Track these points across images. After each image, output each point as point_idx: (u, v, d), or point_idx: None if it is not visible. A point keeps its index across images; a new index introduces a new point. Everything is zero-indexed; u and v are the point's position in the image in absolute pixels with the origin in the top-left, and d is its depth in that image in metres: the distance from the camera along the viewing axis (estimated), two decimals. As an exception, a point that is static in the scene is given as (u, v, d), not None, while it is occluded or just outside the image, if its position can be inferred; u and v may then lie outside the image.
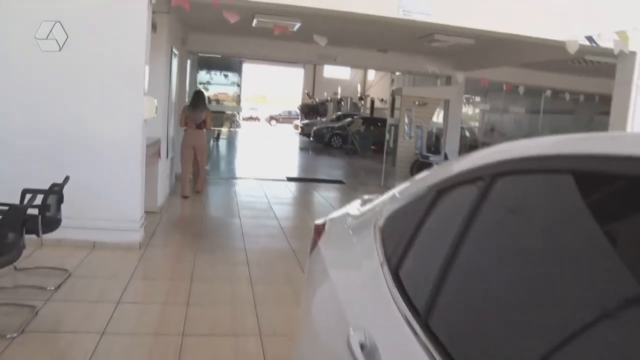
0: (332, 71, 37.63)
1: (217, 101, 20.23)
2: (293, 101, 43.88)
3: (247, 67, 39.62)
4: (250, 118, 47.00)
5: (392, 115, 23.78)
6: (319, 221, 2.52)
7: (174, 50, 8.15)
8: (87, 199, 5.39)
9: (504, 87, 12.69)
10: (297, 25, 8.08)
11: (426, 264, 1.31)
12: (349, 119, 24.33)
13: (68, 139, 5.32)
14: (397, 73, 24.38)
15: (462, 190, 1.34)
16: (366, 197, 2.49)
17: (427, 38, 8.84)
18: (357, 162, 18.49)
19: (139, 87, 5.36)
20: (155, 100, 5.65)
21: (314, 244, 2.30)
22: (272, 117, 45.23)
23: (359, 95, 32.68)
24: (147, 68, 5.49)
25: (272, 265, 5.41)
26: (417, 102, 11.44)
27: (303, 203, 9.17)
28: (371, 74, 34.70)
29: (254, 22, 8.23)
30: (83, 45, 5.22)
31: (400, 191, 1.86)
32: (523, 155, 1.17)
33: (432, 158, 10.14)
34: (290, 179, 11.92)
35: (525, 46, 8.96)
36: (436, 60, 11.57)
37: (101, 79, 5.30)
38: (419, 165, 11.31)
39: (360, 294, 1.53)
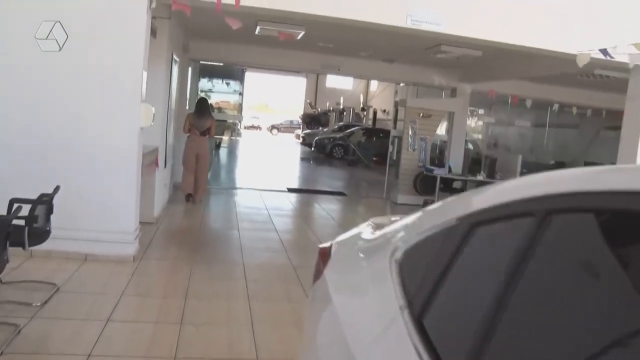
0: (334, 81, 37.54)
1: (219, 109, 20.08)
2: (295, 110, 43.78)
3: (250, 76, 39.71)
4: (252, 127, 46.88)
5: (395, 126, 23.77)
6: (324, 245, 2.25)
7: (174, 56, 7.97)
8: (79, 209, 5.17)
9: (509, 100, 12.54)
10: (301, 33, 7.88)
11: (461, 313, 1.09)
12: (350, 130, 24.10)
13: (60, 145, 5.11)
14: (401, 84, 24.31)
15: (505, 226, 1.11)
16: (378, 220, 2.23)
17: (433, 49, 8.65)
18: (358, 173, 18.27)
19: (136, 93, 5.16)
20: (153, 108, 5.44)
21: (319, 271, 2.05)
22: (273, 126, 45.08)
23: (361, 105, 32.53)
24: (145, 74, 5.29)
25: (271, 282, 5.17)
26: (421, 114, 11.24)
27: (304, 215, 8.94)
28: (374, 85, 34.60)
29: (257, 29, 8.04)
30: (79, 48, 5.02)
31: (421, 219, 1.63)
32: (589, 188, 0.94)
33: (437, 171, 9.92)
34: (290, 190, 11.71)
35: (533, 59, 8.78)
36: (441, 72, 11.40)
37: (96, 84, 5.10)
38: (423, 177, 11.09)
39: (374, 341, 1.30)
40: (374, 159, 23.03)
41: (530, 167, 10.41)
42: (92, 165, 5.17)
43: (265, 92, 51.56)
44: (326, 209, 9.86)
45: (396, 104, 23.70)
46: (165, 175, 8.33)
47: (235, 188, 11.27)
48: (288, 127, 43.70)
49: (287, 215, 8.96)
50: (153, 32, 6.39)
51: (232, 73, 19.87)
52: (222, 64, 16.13)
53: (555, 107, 10.03)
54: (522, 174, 9.98)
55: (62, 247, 5.12)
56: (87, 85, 5.09)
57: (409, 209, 10.96)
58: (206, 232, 7.05)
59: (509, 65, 9.65)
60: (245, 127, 44.55)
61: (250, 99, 50.78)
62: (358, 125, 26.90)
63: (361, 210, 10.31)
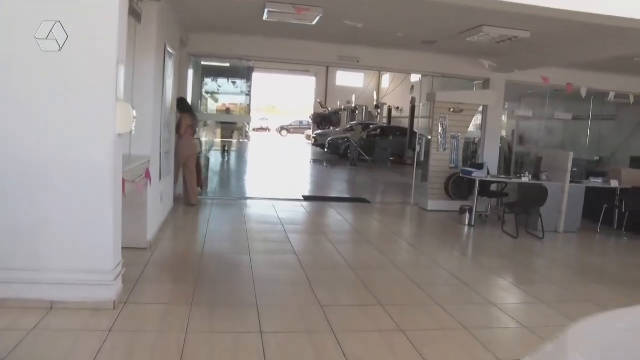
0: (345, 79, 36.32)
1: (227, 111, 18.89)
2: (304, 111, 42.56)
3: (257, 77, 38.55)
4: (261, 129, 45.78)
5: (412, 124, 22.45)
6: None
7: (168, 49, 6.74)
8: (40, 243, 3.96)
9: (548, 91, 11.24)
10: (318, 16, 6.63)
11: None
12: (348, 126, 22.60)
13: (11, 161, 3.89)
14: (417, 79, 22.98)
15: None
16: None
17: (472, 31, 7.36)
18: (377, 175, 16.99)
19: (108, 91, 3.92)
20: (133, 110, 4.19)
21: None
22: (282, 128, 43.93)
23: (375, 103, 31.21)
24: (121, 67, 4.05)
25: (295, 335, 3.91)
26: (451, 109, 9.94)
27: (324, 230, 7.68)
28: (386, 81, 33.29)
29: (265, 14, 6.80)
30: (29, 29, 3.79)
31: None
32: None
33: (476, 173, 8.62)
34: (306, 198, 10.45)
35: (590, 40, 7.48)
36: (473, 61, 10.08)
37: (55, 79, 3.86)
38: (455, 180, 9.79)
39: None
40: (391, 158, 21.80)
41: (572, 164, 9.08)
42: (54, 185, 3.94)
43: (273, 93, 50.37)
44: (349, 220, 8.60)
45: (413, 100, 22.48)
46: (163, 189, 7.10)
47: (245, 198, 10.03)
48: (298, 128, 42.54)
49: (305, 231, 7.70)
50: (136, 16, 5.16)
51: (239, 73, 18.70)
52: (228, 65, 14.98)
53: (611, 96, 8.73)
54: (572, 173, 8.65)
55: (19, 294, 3.92)
56: (33, 85, 3.86)
57: (443, 216, 9.73)
58: (210, 258, 5.80)
59: (552, 50, 8.34)
60: (254, 129, 43.48)
61: (259, 100, 49.77)
62: (373, 124, 25.61)
63: (390, 220, 9.02)
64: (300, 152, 26.09)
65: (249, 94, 17.66)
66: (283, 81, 42.94)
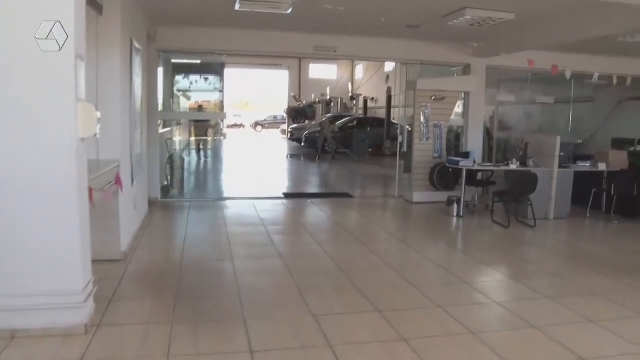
0: (318, 71, 35.93)
1: (200, 108, 18.34)
2: (278, 106, 42.06)
3: (229, 72, 37.88)
4: (235, 125, 45.19)
5: (388, 114, 22.17)
6: None
7: (135, 44, 6.28)
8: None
9: (528, 76, 11.07)
10: (292, 4, 6.24)
11: None
12: (324, 119, 22.02)
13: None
14: (391, 69, 22.69)
15: None
16: None
17: (454, 15, 7.05)
18: (357, 167, 16.67)
19: (66, 90, 3.48)
20: (97, 111, 3.75)
21: None
22: (257, 123, 43.44)
23: (350, 94, 30.89)
24: (81, 63, 3.61)
25: (290, 353, 3.54)
26: (433, 97, 9.65)
27: (310, 229, 7.31)
28: (359, 72, 32.97)
29: (237, 3, 6.38)
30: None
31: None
32: None
33: (463, 162, 8.33)
34: (287, 196, 10.07)
35: (574, 19, 7.24)
36: (453, 46, 9.81)
37: (2, 79, 3.42)
38: (440, 170, 9.51)
39: None
40: (369, 150, 21.51)
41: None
42: (10, 199, 3.50)
43: (246, 89, 49.81)
44: (334, 217, 8.25)
45: (389, 90, 22.18)
46: (136, 194, 6.66)
47: (224, 199, 9.60)
48: (273, 123, 42.14)
49: (289, 231, 7.32)
50: (96, 7, 4.71)
51: (211, 69, 18.15)
52: (199, 61, 14.42)
53: (595, 77, 8.52)
54: (560, 158, 8.43)
55: (-23, 323, 3.48)
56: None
57: (429, 208, 9.45)
58: (190, 267, 5.39)
59: (536, 32, 8.09)
60: (228, 126, 42.83)
61: (232, 97, 49.11)
62: (348, 116, 25.29)
63: (376, 215, 8.69)
64: (277, 147, 25.66)
65: (222, 91, 17.16)
66: (256, 76, 42.43)
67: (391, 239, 6.87)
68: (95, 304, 4.01)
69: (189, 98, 18.16)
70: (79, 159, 3.62)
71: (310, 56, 9.65)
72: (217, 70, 15.76)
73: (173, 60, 15.04)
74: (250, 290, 4.69)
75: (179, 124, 16.31)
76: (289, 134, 28.15)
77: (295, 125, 28.45)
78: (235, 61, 33.04)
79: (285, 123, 35.11)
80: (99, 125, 3.75)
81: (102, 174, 4.74)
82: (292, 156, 20.31)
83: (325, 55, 9.61)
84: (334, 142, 20.01)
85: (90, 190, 4.01)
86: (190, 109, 17.94)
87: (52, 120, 3.49)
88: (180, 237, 6.63)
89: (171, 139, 10.01)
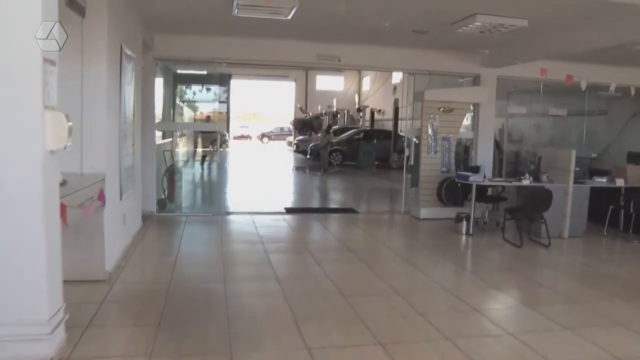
0: (325, 83, 35.70)
1: (208, 119, 17.99)
2: (285, 117, 41.88)
3: (235, 83, 37.72)
4: (241, 136, 45.03)
5: (395, 126, 21.79)
6: None
7: (125, 50, 5.94)
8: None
9: (540, 86, 10.69)
10: (294, 8, 5.89)
11: None
12: (323, 130, 21.48)
13: None
14: (399, 80, 22.34)
15: None
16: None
17: (464, 21, 6.68)
18: (362, 181, 16.28)
19: (32, 97, 3.12)
20: (68, 121, 3.37)
21: None
22: (263, 135, 43.17)
23: (357, 106, 30.57)
24: (50, 67, 3.26)
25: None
26: (441, 109, 9.27)
27: (310, 248, 6.90)
28: (366, 84, 32.67)
29: (234, 7, 6.04)
30: None
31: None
32: None
33: (473, 177, 7.91)
34: (289, 211, 9.68)
35: (589, 26, 6.86)
36: (461, 56, 9.44)
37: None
38: (449, 185, 9.09)
39: None
40: (376, 163, 21.15)
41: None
42: (-33, 220, 3.13)
43: (253, 100, 49.76)
44: (337, 234, 7.85)
45: (396, 102, 21.81)
46: (126, 209, 6.29)
47: (223, 213, 9.22)
48: (279, 135, 41.88)
49: (288, 249, 6.91)
50: (77, 8, 4.36)
51: (216, 80, 17.87)
52: (205, 72, 14.12)
53: (612, 89, 8.09)
54: (575, 173, 8.00)
55: None
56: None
57: (437, 225, 9.03)
58: (179, 290, 5.00)
59: (549, 40, 7.72)
60: (234, 137, 42.62)
61: (238, 108, 49.00)
62: (355, 128, 24.96)
63: (381, 232, 8.26)
64: (282, 159, 25.30)
65: (225, 102, 16.81)
66: (262, 87, 42.27)
67: (396, 259, 6.44)
68: (66, 333, 3.62)
69: (195, 109, 17.87)
70: (47, 173, 3.25)
71: (313, 65, 9.34)
72: (221, 80, 15.45)
73: (179, 71, 14.79)
74: (240, 317, 4.28)
75: (182, 135, 16.03)
76: (295, 146, 27.84)
77: (300, 137, 28.12)
78: (242, 72, 32.91)
79: (291, 135, 34.84)
80: (70, 137, 3.36)
81: (81, 189, 4.37)
82: (298, 168, 19.94)
83: (329, 65, 9.26)
84: (326, 152, 19.50)
85: (63, 207, 3.63)
86: (196, 120, 17.65)
87: (16, 130, 3.13)
88: (172, 255, 6.24)
89: (170, 150, 9.65)
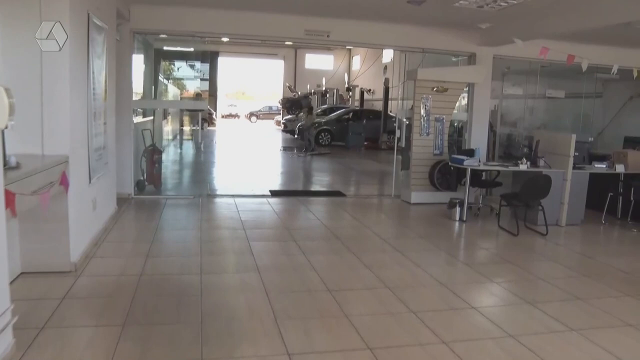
0: (314, 62, 35.08)
1: (198, 96, 17.36)
2: (274, 96, 41.29)
3: (224, 61, 36.93)
4: (229, 115, 44.37)
5: (385, 107, 21.33)
6: None
7: (94, 20, 5.42)
8: None
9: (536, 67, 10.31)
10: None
11: None
12: (305, 110, 20.94)
13: None
14: (390, 59, 21.80)
15: None
16: None
17: (462, -6, 6.22)
18: (351, 162, 15.87)
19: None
20: (9, 97, 2.90)
21: None
22: (252, 114, 42.60)
23: (346, 86, 30.01)
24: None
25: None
26: (434, 88, 8.83)
27: (295, 235, 6.49)
28: (356, 63, 32.09)
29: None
30: None
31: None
32: None
33: (468, 161, 7.52)
34: (274, 194, 9.25)
35: (594, 4, 6.44)
36: (456, 33, 8.99)
37: None
38: (441, 169, 8.71)
39: None
40: (365, 143, 20.78)
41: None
42: None
43: (242, 78, 48.98)
44: (323, 219, 7.45)
45: (386, 81, 21.32)
46: (96, 194, 5.83)
47: (205, 195, 8.77)
48: (267, 114, 41.33)
49: (271, 237, 6.48)
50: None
51: (203, 57, 17.21)
52: (191, 49, 13.50)
53: (615, 70, 7.67)
54: (575, 158, 7.64)
55: None
56: None
57: (428, 210, 8.66)
58: (150, 283, 4.58)
59: (552, 17, 7.29)
60: (222, 116, 41.93)
61: (226, 86, 48.20)
62: (344, 108, 24.47)
63: (370, 218, 7.85)
64: (270, 139, 24.77)
65: (207, 79, 16.18)
66: (251, 66, 41.52)
67: (386, 249, 6.05)
68: (15, 337, 3.20)
69: (182, 87, 17.24)
70: (-15, 156, 2.79)
71: (301, 41, 8.80)
72: (203, 57, 14.81)
73: (165, 47, 14.16)
74: (215, 316, 3.88)
75: (167, 114, 15.45)
76: (283, 125, 27.34)
77: (288, 117, 27.59)
78: (230, 49, 32.22)
79: (279, 114, 34.30)
80: (11, 115, 2.90)
81: (36, 173, 3.90)
82: (286, 149, 19.47)
83: (318, 41, 8.76)
84: (310, 133, 19.02)
85: (9, 195, 3.18)
86: (183, 98, 17.02)
87: (-56, 107, 2.67)
88: (146, 242, 5.80)
89: (149, 129, 9.14)
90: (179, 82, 16.56)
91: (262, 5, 7.81)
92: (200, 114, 9.38)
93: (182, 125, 18.38)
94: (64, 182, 4.49)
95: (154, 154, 8.77)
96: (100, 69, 5.87)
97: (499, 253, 6.16)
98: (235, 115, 44.99)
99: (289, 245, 5.94)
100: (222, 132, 27.66)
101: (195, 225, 6.73)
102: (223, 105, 44.63)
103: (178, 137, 18.21)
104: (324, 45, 31.79)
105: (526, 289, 4.81)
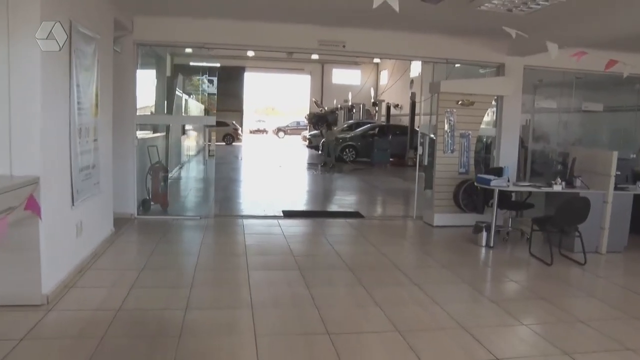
0: (341, 77, 34.71)
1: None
2: (301, 111, 40.95)
3: (252, 77, 36.84)
4: (257, 131, 44.23)
5: (412, 122, 20.64)
6: None
7: (79, 28, 4.98)
8: None
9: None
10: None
11: None
12: (324, 126, 20.50)
13: None
14: (417, 74, 21.15)
15: None
16: None
17: (487, -3, 5.59)
18: (375, 179, 15.23)
19: None
20: None
21: None
22: (279, 129, 42.25)
23: (372, 100, 29.43)
24: None
25: None
26: (459, 102, 8.17)
27: (302, 263, 5.85)
28: (384, 78, 31.52)
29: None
30: None
31: None
32: None
33: (495, 182, 6.82)
34: (287, 214, 8.66)
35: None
36: (483, 42, 8.34)
37: None
38: (468, 189, 7.99)
39: None
40: (391, 160, 20.12)
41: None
42: None
43: (271, 94, 48.85)
44: (335, 245, 6.79)
45: (413, 96, 20.66)
46: (82, 217, 5.34)
47: (212, 217, 8.23)
48: (295, 129, 40.97)
49: (275, 265, 5.84)
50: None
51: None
52: (218, 64, 13.05)
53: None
54: (617, 177, 6.86)
55: None
56: None
57: (452, 234, 7.95)
58: (126, 320, 4.03)
59: (590, 22, 6.60)
60: (250, 132, 41.79)
61: (256, 102, 48.20)
62: (370, 123, 23.87)
63: (388, 242, 7.07)
64: (294, 155, 24.27)
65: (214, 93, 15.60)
66: (279, 81, 41.34)
67: (403, 280, 5.37)
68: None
69: (205, 102, 16.85)
70: None
71: (314, 51, 8.31)
72: (211, 71, 14.29)
73: (191, 63, 13.80)
74: (188, 367, 3.30)
75: (185, 131, 15.06)
76: (308, 141, 26.90)
77: (313, 132, 27.13)
78: (256, 64, 32.05)
79: (307, 129, 33.91)
80: None
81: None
82: (310, 165, 18.92)
83: (333, 51, 8.20)
84: (331, 147, 18.52)
85: None
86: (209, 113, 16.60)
87: None
88: (135, 270, 5.27)
89: (155, 146, 8.70)
90: (206, 98, 16.17)
91: (272, 16, 7.32)
92: (208, 129, 8.81)
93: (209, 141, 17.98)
94: (30, 206, 3.99)
95: (159, 171, 8.30)
96: (89, 81, 5.42)
97: (530, 287, 5.42)
98: (263, 131, 44.83)
99: (292, 276, 5.33)
100: (248, 147, 27.34)
101: (194, 251, 6.19)
102: (251, 120, 44.56)
103: (202, 153, 17.82)
104: (350, 60, 31.37)
105: (563, 335, 4.08)
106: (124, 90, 7.40)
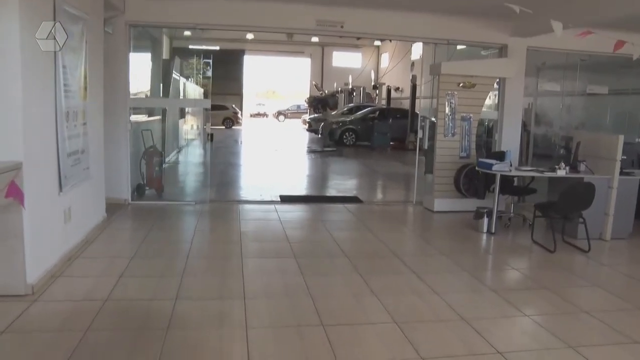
0: (341, 59, 34.36)
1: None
2: (301, 95, 40.60)
3: (252, 60, 36.47)
4: (258, 114, 43.94)
5: (413, 105, 20.40)
6: None
7: (65, 7, 4.77)
8: None
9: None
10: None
11: None
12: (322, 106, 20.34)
13: None
14: (418, 56, 20.85)
15: None
16: None
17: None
18: (375, 163, 15.05)
19: None
20: None
21: None
22: (279, 113, 41.93)
23: (373, 83, 29.12)
24: None
25: None
26: (461, 84, 7.95)
27: (297, 250, 5.70)
28: (385, 61, 31.17)
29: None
30: None
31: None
32: None
33: (497, 166, 6.63)
34: (284, 199, 8.50)
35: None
36: (485, 23, 8.10)
37: None
38: (469, 174, 7.81)
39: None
40: (391, 143, 19.91)
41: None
42: None
43: (272, 77, 48.44)
44: (332, 230, 6.63)
45: (414, 78, 20.38)
46: (71, 203, 5.18)
47: (208, 202, 8.06)
48: (295, 113, 40.64)
49: (269, 252, 5.67)
50: None
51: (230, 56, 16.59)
52: (217, 47, 12.83)
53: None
54: (622, 162, 6.67)
55: None
56: None
57: (453, 219, 7.80)
58: (113, 310, 3.89)
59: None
60: (250, 115, 41.50)
61: (257, 85, 47.80)
62: (370, 106, 23.59)
63: (386, 229, 6.88)
64: (294, 138, 24.03)
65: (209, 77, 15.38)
66: (280, 64, 40.96)
67: (401, 269, 5.22)
68: None
69: (204, 85, 16.61)
70: None
71: (311, 32, 8.08)
72: (205, 53, 14.00)
73: (190, 46, 13.56)
74: (175, 358, 3.15)
75: (184, 114, 14.83)
76: (307, 125, 26.67)
77: (313, 116, 26.89)
78: (255, 47, 31.66)
79: (307, 113, 33.64)
80: None
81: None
82: (311, 149, 18.73)
83: (331, 32, 7.98)
84: (326, 131, 18.38)
85: None
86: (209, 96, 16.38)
87: None
88: (126, 258, 5.12)
89: (149, 130, 8.51)
90: (206, 81, 15.92)
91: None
92: (206, 111, 8.61)
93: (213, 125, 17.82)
94: (12, 193, 3.83)
95: (154, 156, 8.13)
96: (76, 64, 5.22)
97: (532, 275, 5.27)
98: (264, 115, 44.54)
99: (286, 264, 5.17)
100: (248, 131, 27.12)
101: (187, 238, 6.03)
102: (251, 104, 44.23)
103: (201, 137, 17.63)
104: (351, 43, 30.97)
105: (567, 327, 3.93)
106: (116, 72, 7.19)
